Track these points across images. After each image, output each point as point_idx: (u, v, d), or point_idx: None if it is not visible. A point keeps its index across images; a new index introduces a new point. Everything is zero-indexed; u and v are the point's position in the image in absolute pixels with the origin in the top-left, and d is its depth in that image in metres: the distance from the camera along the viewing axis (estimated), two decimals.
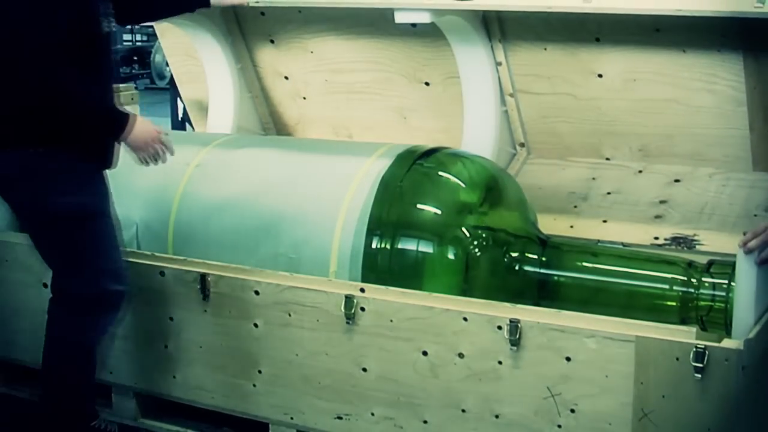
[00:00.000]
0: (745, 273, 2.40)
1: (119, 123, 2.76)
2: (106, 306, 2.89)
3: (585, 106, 3.40)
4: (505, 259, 2.91)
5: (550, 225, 3.31)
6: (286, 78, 3.99)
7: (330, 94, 3.92)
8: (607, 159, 3.50)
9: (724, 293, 2.65)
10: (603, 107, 3.38)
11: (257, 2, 3.46)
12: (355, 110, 3.91)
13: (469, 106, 3.50)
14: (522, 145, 3.63)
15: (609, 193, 3.41)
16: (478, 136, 3.49)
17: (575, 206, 3.41)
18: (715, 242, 3.15)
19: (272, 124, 4.18)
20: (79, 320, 2.87)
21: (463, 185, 3.02)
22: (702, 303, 2.69)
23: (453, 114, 3.61)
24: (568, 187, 3.48)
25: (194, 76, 4.18)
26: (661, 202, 3.30)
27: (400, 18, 3.23)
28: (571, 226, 3.36)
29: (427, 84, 3.68)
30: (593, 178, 3.48)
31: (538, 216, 3.16)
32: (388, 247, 2.87)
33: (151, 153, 2.84)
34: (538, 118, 3.55)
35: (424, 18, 3.20)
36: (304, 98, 4.01)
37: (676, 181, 3.35)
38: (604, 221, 3.34)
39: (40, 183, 2.77)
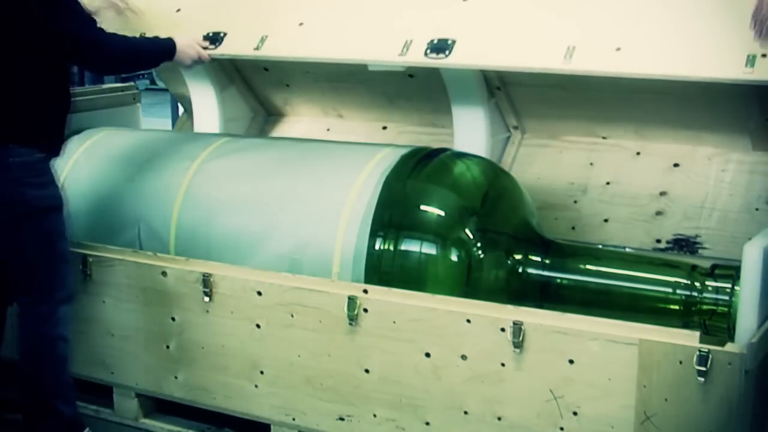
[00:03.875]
0: (750, 277, 2.41)
1: (169, 51, 3.12)
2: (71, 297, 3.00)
3: (577, 95, 3.36)
4: (508, 262, 2.91)
5: (551, 225, 3.31)
6: (266, 69, 3.97)
7: (313, 82, 3.91)
8: (604, 138, 3.46)
9: (727, 297, 2.66)
10: (595, 97, 3.34)
11: (222, 54, 3.34)
12: (341, 95, 3.91)
13: (456, 104, 3.49)
14: (516, 127, 3.60)
15: (608, 183, 3.39)
16: (469, 133, 3.48)
17: (575, 201, 3.40)
18: (717, 244, 3.14)
19: (261, 109, 4.19)
20: (65, 311, 2.94)
21: (466, 187, 3.02)
22: (705, 307, 2.69)
23: (441, 98, 3.56)
24: (567, 176, 3.45)
25: (175, 73, 4.13)
26: (661, 194, 3.29)
27: (373, 67, 3.24)
28: (573, 228, 3.36)
29: (411, 76, 3.62)
30: (591, 164, 3.45)
31: (539, 213, 3.15)
32: (391, 248, 2.86)
33: (197, 61, 3.23)
34: (529, 104, 3.51)
35: (399, 68, 3.22)
36: (288, 85, 4.00)
37: (675, 165, 3.32)
38: (605, 220, 3.33)
39: (18, 176, 2.80)
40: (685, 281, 2.73)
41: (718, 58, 2.58)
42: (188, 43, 3.18)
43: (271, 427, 2.97)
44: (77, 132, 3.67)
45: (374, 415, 2.78)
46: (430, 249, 2.87)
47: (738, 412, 2.31)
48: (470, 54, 2.89)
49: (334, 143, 3.58)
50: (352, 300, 2.73)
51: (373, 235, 2.88)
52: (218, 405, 3.04)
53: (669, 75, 2.67)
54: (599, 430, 2.48)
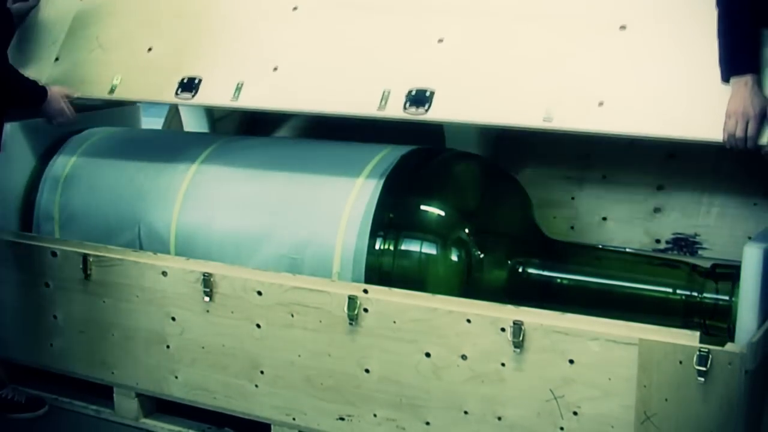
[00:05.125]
0: (750, 277, 2.41)
1: (41, 95, 3.23)
2: None
3: None
4: (508, 261, 2.91)
5: (550, 225, 3.30)
6: None
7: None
8: None
9: (727, 297, 2.66)
10: None
11: (200, 104, 3.28)
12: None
13: None
14: None
15: (604, 177, 3.37)
16: (460, 137, 3.45)
17: (573, 197, 3.40)
18: (716, 243, 3.14)
19: None
20: None
21: (466, 187, 3.02)
22: (705, 307, 2.69)
23: None
24: (563, 170, 3.42)
25: None
26: (659, 188, 3.28)
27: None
28: (572, 227, 3.36)
29: None
30: (587, 155, 3.41)
31: (538, 210, 3.15)
32: (391, 248, 2.87)
33: (60, 121, 3.32)
34: None
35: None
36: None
37: (671, 156, 3.27)
38: (604, 218, 3.33)
39: None
40: (685, 281, 2.73)
41: (713, 116, 2.50)
42: (58, 96, 3.26)
43: (272, 427, 2.97)
44: (77, 132, 3.68)
45: (374, 415, 2.78)
46: (430, 249, 2.87)
47: (738, 412, 2.31)
48: (449, 108, 2.79)
49: (335, 143, 3.58)
50: (352, 300, 2.73)
51: (373, 235, 2.88)
52: (218, 405, 3.05)
53: (653, 135, 2.57)
54: (599, 430, 2.48)
